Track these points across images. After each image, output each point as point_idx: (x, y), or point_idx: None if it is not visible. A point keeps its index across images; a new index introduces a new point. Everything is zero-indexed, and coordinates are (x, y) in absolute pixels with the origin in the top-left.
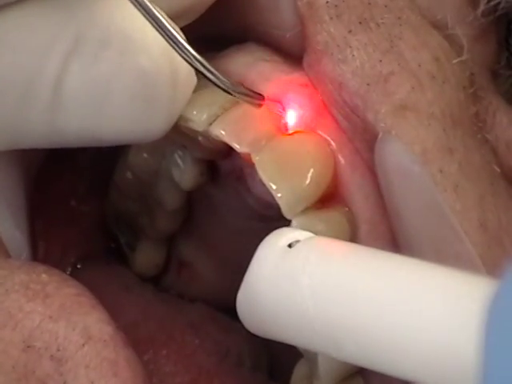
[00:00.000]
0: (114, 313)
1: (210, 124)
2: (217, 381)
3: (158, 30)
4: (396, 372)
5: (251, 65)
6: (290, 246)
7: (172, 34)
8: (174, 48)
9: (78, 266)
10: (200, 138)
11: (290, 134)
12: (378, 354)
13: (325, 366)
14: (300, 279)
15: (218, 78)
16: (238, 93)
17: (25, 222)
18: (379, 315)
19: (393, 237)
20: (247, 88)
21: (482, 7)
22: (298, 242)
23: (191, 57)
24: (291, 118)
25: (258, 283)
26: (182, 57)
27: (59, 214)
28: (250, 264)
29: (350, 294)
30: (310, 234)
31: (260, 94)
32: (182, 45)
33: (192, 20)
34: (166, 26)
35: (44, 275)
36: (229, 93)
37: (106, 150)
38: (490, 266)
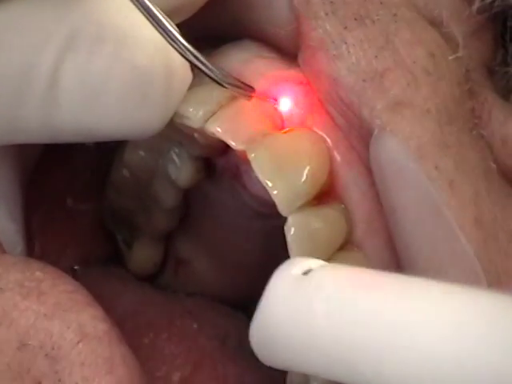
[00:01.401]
0: (113, 304)
1: (206, 121)
2: (220, 364)
3: (148, 19)
4: None
5: (247, 61)
6: (304, 274)
7: (164, 24)
8: (165, 38)
9: (76, 268)
10: (196, 135)
11: (285, 132)
12: (395, 380)
13: None
14: (315, 306)
15: (209, 68)
16: (229, 84)
17: (20, 215)
18: (397, 341)
19: (389, 233)
20: (239, 80)
21: (477, 4)
22: (310, 270)
23: (183, 47)
24: (287, 115)
25: (272, 312)
26: (174, 47)
27: (55, 215)
28: (264, 294)
29: (366, 320)
30: (323, 262)
31: (251, 87)
32: (174, 35)
33: (188, 16)
34: (157, 17)
35: (39, 272)
36: (220, 84)
37: (102, 149)
38: (485, 262)
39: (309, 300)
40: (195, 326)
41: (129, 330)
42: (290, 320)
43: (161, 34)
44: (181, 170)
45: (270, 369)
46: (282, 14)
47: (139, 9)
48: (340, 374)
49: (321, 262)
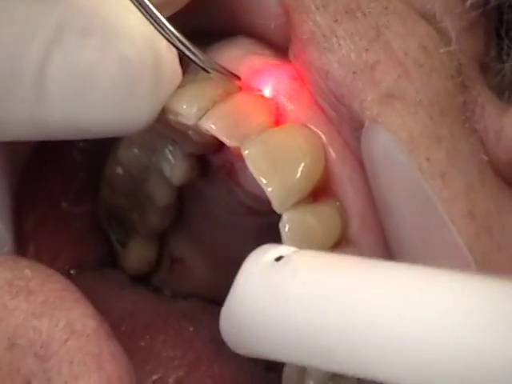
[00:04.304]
0: (109, 306)
1: (200, 118)
2: (216, 364)
3: (135, 5)
4: (388, 380)
5: (241, 58)
6: (276, 260)
7: (151, 9)
8: (151, 23)
9: (71, 272)
10: (190, 133)
11: (280, 128)
12: (369, 360)
13: None
14: (288, 290)
15: (194, 53)
16: (214, 70)
17: (8, 214)
18: (373, 325)
19: (383, 228)
20: (225, 68)
21: (470, 0)
22: (282, 257)
23: (169, 33)
24: (281, 111)
25: (244, 299)
26: (160, 32)
27: (49, 217)
28: (235, 279)
29: (342, 304)
30: (294, 249)
31: (237, 76)
32: (161, 21)
33: (177, 9)
34: (145, 2)
35: (27, 271)
36: (205, 70)
37: (95, 148)
38: (477, 254)
39: (283, 285)
40: (191, 328)
41: (125, 332)
42: (264, 306)
43: (147, 18)
44: (175, 167)
45: (266, 370)
46: (271, 6)
47: None
48: (315, 359)
49: (292, 249)
